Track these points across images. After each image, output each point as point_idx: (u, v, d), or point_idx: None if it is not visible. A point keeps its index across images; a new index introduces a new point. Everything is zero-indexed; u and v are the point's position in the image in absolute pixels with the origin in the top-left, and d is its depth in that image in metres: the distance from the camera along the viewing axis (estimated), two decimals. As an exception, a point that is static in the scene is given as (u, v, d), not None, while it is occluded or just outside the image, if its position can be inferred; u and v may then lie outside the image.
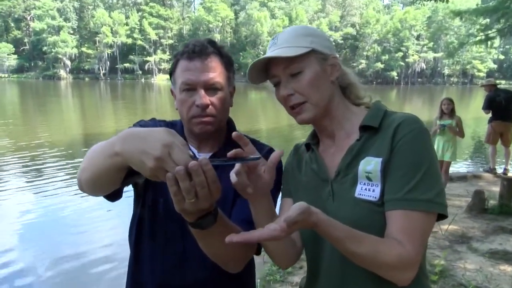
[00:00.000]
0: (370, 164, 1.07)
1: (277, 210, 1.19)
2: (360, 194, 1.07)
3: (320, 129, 1.25)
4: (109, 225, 5.85)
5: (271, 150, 1.34)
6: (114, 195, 1.17)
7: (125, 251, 1.46)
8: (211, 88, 1.27)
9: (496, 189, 6.84)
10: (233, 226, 1.09)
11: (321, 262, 1.18)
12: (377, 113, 1.16)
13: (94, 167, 0.99)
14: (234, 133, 0.99)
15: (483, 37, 12.74)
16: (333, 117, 1.20)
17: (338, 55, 1.23)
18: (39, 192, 7.52)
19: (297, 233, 1.25)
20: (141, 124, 1.39)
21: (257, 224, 1.11)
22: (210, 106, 1.26)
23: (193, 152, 1.35)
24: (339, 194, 1.13)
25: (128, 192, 1.35)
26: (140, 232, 1.37)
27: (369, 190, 1.06)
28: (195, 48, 1.26)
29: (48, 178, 8.39)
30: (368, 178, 1.07)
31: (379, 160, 1.06)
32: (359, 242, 0.95)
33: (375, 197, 1.05)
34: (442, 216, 1.05)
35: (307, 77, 1.13)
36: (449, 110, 6.65)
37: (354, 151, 1.13)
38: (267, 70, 1.20)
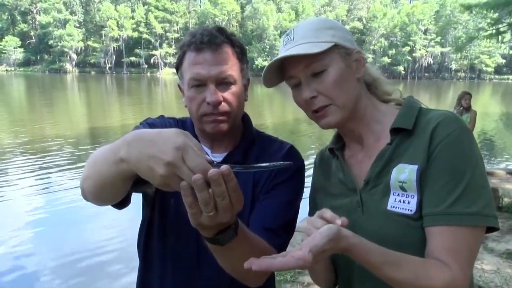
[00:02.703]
0: (404, 173, 0.95)
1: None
2: (393, 207, 0.96)
3: (346, 133, 1.12)
4: (119, 224, 5.67)
5: (292, 148, 1.24)
6: (121, 203, 1.03)
7: (134, 252, 1.35)
8: (223, 82, 1.13)
9: (510, 186, 6.68)
10: (254, 238, 0.98)
11: (352, 277, 1.08)
12: (410, 112, 1.02)
13: (97, 175, 0.87)
14: None
15: (494, 31, 12.49)
16: (360, 119, 1.07)
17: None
18: (46, 188, 7.47)
19: None
20: (148, 122, 1.26)
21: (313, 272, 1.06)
22: (222, 103, 1.13)
23: (207, 153, 1.20)
24: (369, 206, 1.02)
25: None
26: (149, 236, 1.25)
27: (403, 202, 0.95)
28: (204, 38, 1.11)
29: (55, 173, 8.34)
30: (402, 189, 0.95)
31: (414, 167, 0.94)
32: (397, 266, 0.84)
33: (411, 210, 0.93)
34: (491, 229, 0.92)
35: (332, 76, 1.00)
36: (468, 105, 6.50)
37: (385, 157, 1.00)
38: (283, 70, 1.06)
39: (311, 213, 1.21)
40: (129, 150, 0.76)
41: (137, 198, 1.28)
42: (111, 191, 0.90)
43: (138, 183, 0.86)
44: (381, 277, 0.86)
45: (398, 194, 0.96)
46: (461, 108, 6.52)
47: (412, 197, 0.94)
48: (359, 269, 1.04)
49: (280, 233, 1.07)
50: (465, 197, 0.88)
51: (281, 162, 0.81)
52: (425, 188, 0.93)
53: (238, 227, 0.85)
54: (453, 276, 0.85)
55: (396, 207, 0.95)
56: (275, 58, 1.03)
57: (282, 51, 1.04)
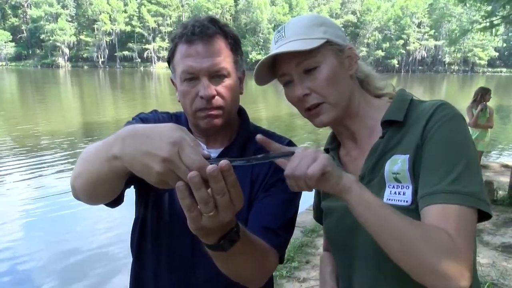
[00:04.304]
0: (397, 164, 0.94)
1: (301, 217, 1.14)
2: (389, 199, 0.94)
3: (340, 131, 1.11)
4: (113, 220, 5.57)
5: (290, 143, 1.18)
6: (114, 201, 0.99)
7: (127, 248, 1.30)
8: (216, 75, 1.09)
9: (504, 179, 6.70)
10: (255, 239, 0.94)
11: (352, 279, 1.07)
12: (401, 104, 1.01)
13: (88, 173, 0.83)
14: (257, 137, 0.87)
15: (487, 24, 12.45)
16: (354, 115, 1.06)
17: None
18: (37, 184, 7.38)
19: None
20: (140, 117, 1.22)
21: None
22: (216, 97, 1.09)
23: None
24: None
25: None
26: (142, 234, 1.21)
27: (399, 193, 0.93)
28: (195, 29, 1.06)
29: (47, 170, 8.24)
30: (397, 180, 0.93)
31: (406, 157, 0.92)
32: (402, 219, 0.81)
33: (407, 201, 0.91)
34: (482, 218, 0.88)
35: (324, 73, 0.98)
36: (488, 101, 6.48)
37: (378, 151, 0.99)
38: (275, 68, 1.05)
39: (316, 215, 1.23)
40: (123, 147, 0.72)
41: (131, 195, 1.25)
42: (103, 189, 0.86)
43: (132, 179, 0.80)
44: (379, 232, 0.82)
45: (393, 186, 0.94)
46: (485, 103, 6.45)
47: (407, 187, 0.92)
48: (360, 271, 1.03)
49: (280, 232, 1.05)
50: (463, 177, 0.85)
51: (282, 152, 0.75)
52: (421, 170, 0.90)
53: (240, 230, 0.82)
54: (456, 245, 0.79)
55: (392, 200, 0.93)
56: (267, 55, 1.01)
57: (274, 48, 1.02)
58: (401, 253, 0.81)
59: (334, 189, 0.81)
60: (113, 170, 0.76)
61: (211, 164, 0.67)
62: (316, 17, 1.05)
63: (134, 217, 1.25)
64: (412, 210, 0.89)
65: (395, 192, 0.93)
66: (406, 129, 0.97)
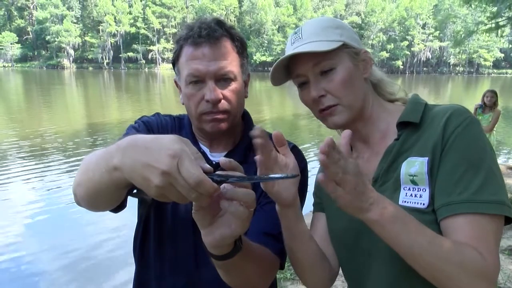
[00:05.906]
0: (414, 166, 0.93)
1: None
2: (405, 202, 0.92)
3: (352, 133, 1.09)
4: (117, 223, 5.52)
5: (295, 149, 1.16)
6: (117, 207, 0.96)
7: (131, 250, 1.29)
8: (222, 78, 1.08)
9: (511, 181, 6.65)
10: (255, 246, 0.93)
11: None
12: (416, 107, 1.01)
13: (89, 182, 0.81)
14: (254, 140, 0.80)
15: (493, 25, 12.37)
16: (367, 118, 1.06)
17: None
18: (43, 184, 7.38)
19: (334, 254, 1.12)
20: (143, 120, 1.19)
21: (288, 238, 0.97)
22: (222, 101, 1.08)
23: (205, 153, 1.17)
24: None
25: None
26: (145, 237, 1.19)
27: (415, 196, 0.91)
28: (202, 31, 1.05)
29: (53, 171, 8.25)
30: (413, 182, 0.92)
31: (425, 160, 0.91)
32: (430, 243, 0.80)
33: (423, 204, 0.90)
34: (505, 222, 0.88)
35: (340, 76, 0.99)
36: (491, 103, 6.45)
37: (393, 153, 0.98)
38: (290, 68, 1.05)
39: (316, 209, 1.20)
40: (123, 158, 0.70)
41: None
42: (105, 198, 0.85)
43: (135, 187, 0.79)
44: (407, 254, 0.82)
45: (409, 189, 0.93)
46: (480, 104, 6.46)
47: (424, 190, 0.91)
48: (376, 275, 1.00)
49: (281, 238, 1.02)
50: (489, 184, 0.84)
51: (285, 175, 0.74)
52: (440, 178, 0.89)
53: (241, 237, 0.82)
54: (487, 265, 0.80)
55: (407, 202, 0.92)
56: (284, 55, 1.01)
57: (290, 49, 1.02)
58: (437, 281, 0.82)
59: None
60: (114, 181, 0.74)
61: (211, 178, 0.66)
62: (332, 20, 1.05)
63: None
64: (428, 213, 0.89)
65: (411, 195, 0.92)
66: (421, 131, 0.96)
